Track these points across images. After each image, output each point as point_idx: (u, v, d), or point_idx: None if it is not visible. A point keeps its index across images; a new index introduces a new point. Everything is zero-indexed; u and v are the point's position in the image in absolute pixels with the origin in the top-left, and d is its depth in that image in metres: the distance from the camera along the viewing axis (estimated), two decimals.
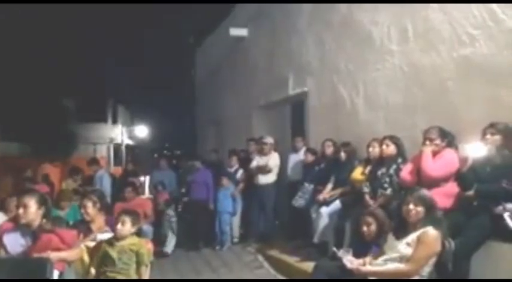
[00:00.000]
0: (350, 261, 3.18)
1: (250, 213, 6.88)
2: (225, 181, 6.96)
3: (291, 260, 5.29)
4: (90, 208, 3.95)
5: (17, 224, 3.38)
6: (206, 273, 5.59)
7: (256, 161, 6.77)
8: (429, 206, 3.05)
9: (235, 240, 6.99)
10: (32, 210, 3.23)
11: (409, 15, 4.69)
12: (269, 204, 6.59)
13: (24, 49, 14.08)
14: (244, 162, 7.10)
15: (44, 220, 3.29)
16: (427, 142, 3.86)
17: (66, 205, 4.86)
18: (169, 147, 30.67)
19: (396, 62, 4.86)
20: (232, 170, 7.31)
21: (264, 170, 6.59)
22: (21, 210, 3.24)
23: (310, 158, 5.98)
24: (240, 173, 7.14)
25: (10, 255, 3.19)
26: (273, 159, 6.69)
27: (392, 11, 4.91)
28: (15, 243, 3.21)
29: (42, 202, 3.30)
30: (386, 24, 4.98)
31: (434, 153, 3.82)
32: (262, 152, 6.78)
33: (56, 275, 3.13)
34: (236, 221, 7.08)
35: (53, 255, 3.10)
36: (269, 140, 6.83)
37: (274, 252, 5.83)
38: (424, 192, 3.17)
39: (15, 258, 3.17)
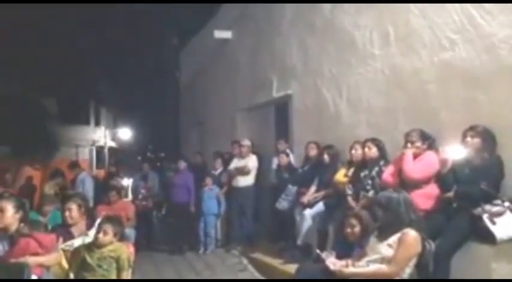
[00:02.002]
0: (333, 263, 3.19)
1: (229, 215, 6.87)
2: (208, 181, 6.93)
3: (275, 262, 5.30)
4: (75, 211, 3.89)
5: None
6: (189, 277, 5.55)
7: (235, 163, 6.77)
8: (406, 208, 3.09)
9: (219, 243, 6.97)
10: (9, 214, 3.16)
11: (390, 20, 4.75)
12: (249, 206, 6.60)
13: (5, 49, 13.79)
14: (229, 164, 7.10)
15: (22, 224, 3.22)
16: (408, 144, 3.92)
17: (48, 210, 4.75)
18: (152, 149, 30.40)
19: (378, 65, 4.91)
20: (217, 172, 7.29)
21: (242, 171, 6.60)
22: None
23: (285, 160, 6.05)
24: (224, 176, 7.13)
25: None
26: (252, 162, 6.71)
27: (374, 15, 4.97)
28: None
29: (19, 206, 3.23)
30: (369, 28, 5.04)
31: (415, 156, 3.88)
32: (240, 155, 6.79)
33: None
34: (220, 223, 7.06)
35: (31, 260, 3.03)
36: (246, 142, 6.87)
37: (258, 255, 5.83)
38: (402, 195, 3.20)
39: None
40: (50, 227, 3.93)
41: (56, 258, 3.29)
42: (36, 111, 17.24)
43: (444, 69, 4.13)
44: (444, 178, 3.61)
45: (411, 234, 3.00)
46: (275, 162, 6.53)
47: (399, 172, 3.92)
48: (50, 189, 7.13)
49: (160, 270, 5.89)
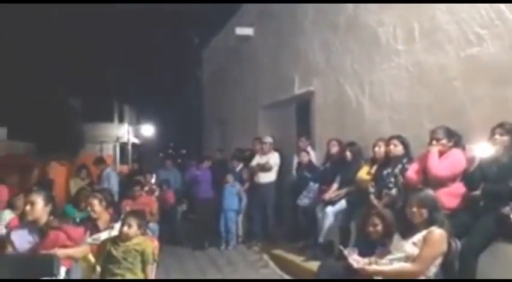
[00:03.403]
0: (356, 260, 3.17)
1: (251, 212, 6.90)
2: (230, 178, 6.98)
3: (297, 259, 5.29)
4: (97, 206, 3.98)
5: (24, 221, 3.42)
6: (211, 273, 5.60)
7: (256, 160, 6.79)
8: (433, 207, 3.04)
9: (240, 239, 7.01)
10: (39, 207, 3.26)
11: (415, 15, 4.67)
12: (270, 203, 6.60)
13: (33, 50, 14.21)
14: (248, 161, 7.12)
15: (51, 217, 3.31)
16: (434, 142, 3.85)
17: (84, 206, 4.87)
18: (174, 146, 30.78)
19: (402, 61, 4.84)
20: (237, 169, 7.33)
21: (264, 167, 6.61)
22: (28, 207, 3.27)
23: (306, 158, 6.04)
24: (245, 172, 7.17)
25: (18, 251, 3.22)
26: (273, 158, 6.71)
27: (398, 11, 4.90)
28: (22, 240, 3.24)
29: (49, 199, 3.33)
30: (393, 24, 4.97)
31: (441, 153, 3.80)
32: (261, 151, 6.80)
33: (63, 272, 3.15)
34: (241, 220, 7.10)
35: (60, 252, 3.12)
36: (268, 139, 6.88)
37: (280, 252, 5.84)
38: (427, 193, 3.15)
39: (23, 254, 3.20)
40: (77, 220, 4.04)
41: (83, 251, 3.38)
42: (63, 109, 17.71)
43: (471, 65, 4.05)
44: (471, 176, 3.54)
45: (437, 232, 2.95)
46: (296, 160, 6.52)
47: (424, 170, 3.85)
48: (75, 184, 7.32)
49: (183, 266, 5.96)
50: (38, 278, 3.02)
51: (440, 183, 3.66)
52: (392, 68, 4.96)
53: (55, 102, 17.32)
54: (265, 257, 6.03)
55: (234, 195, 6.97)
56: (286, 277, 5.26)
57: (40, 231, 3.24)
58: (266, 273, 5.48)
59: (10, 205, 5.09)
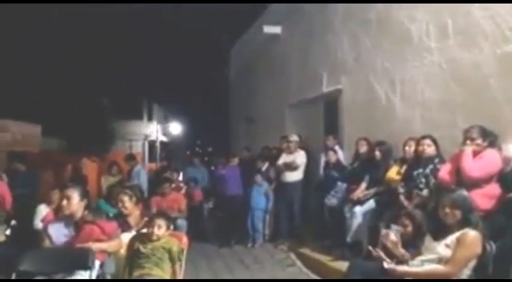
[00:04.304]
0: (386, 260, 3.13)
1: (277, 210, 6.90)
2: (259, 178, 7.01)
3: (324, 258, 5.27)
4: (127, 202, 4.08)
5: (60, 216, 3.54)
6: (239, 270, 5.64)
7: (283, 159, 6.78)
8: (466, 208, 2.96)
9: (267, 237, 7.02)
10: (75, 202, 3.37)
11: (449, 12, 4.56)
12: (296, 202, 6.57)
13: (66, 51, 14.66)
14: (274, 159, 7.11)
15: (86, 212, 3.42)
16: (468, 141, 3.74)
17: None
18: (201, 144, 31.11)
19: (435, 59, 4.73)
20: (263, 168, 7.34)
21: (290, 166, 6.58)
22: (64, 202, 3.38)
23: (333, 157, 5.99)
24: (272, 171, 7.17)
25: (55, 245, 3.33)
26: (300, 157, 6.67)
27: (431, 8, 4.79)
28: (59, 233, 3.35)
29: (84, 194, 3.44)
30: (425, 20, 4.86)
31: (475, 153, 3.70)
32: (288, 150, 6.78)
33: (97, 265, 3.25)
34: (268, 218, 7.11)
35: (95, 245, 3.22)
36: (294, 137, 6.85)
37: (307, 251, 5.83)
38: (461, 193, 3.07)
39: (60, 248, 3.31)
40: (111, 215, 4.15)
41: (117, 245, 3.47)
42: (94, 108, 18.20)
43: (508, 62, 3.92)
44: (507, 177, 3.43)
45: (471, 234, 2.87)
46: (323, 159, 6.47)
47: (457, 170, 3.76)
48: (106, 180, 7.52)
49: (211, 263, 6.02)
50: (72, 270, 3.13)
51: (474, 184, 3.56)
52: (425, 65, 4.85)
53: (87, 101, 17.81)
54: (292, 255, 6.03)
55: (261, 195, 6.99)
56: (313, 276, 5.24)
57: (75, 225, 3.34)
58: (293, 271, 5.48)
59: (45, 200, 5.28)
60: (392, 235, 3.19)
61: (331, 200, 5.60)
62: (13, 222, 3.78)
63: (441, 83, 4.66)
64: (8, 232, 3.67)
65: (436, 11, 4.73)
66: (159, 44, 18.61)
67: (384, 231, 3.24)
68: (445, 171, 3.89)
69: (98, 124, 17.67)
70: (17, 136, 11.78)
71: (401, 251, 3.14)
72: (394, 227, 3.26)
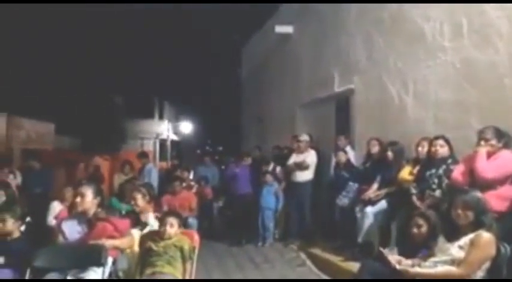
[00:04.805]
0: (398, 261, 3.11)
1: (287, 210, 6.89)
2: (269, 178, 7.01)
3: (334, 258, 5.25)
4: (140, 200, 4.12)
5: (73, 212, 3.58)
6: (249, 269, 5.65)
7: (293, 158, 6.76)
8: (479, 209, 2.93)
9: (277, 236, 7.02)
10: (88, 199, 3.41)
11: (463, 10, 4.51)
12: (307, 201, 6.56)
13: (78, 50, 14.83)
14: (287, 159, 7.10)
15: (99, 209, 3.46)
16: (482, 142, 3.70)
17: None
18: (211, 143, 31.19)
19: (449, 58, 4.68)
20: (269, 168, 7.33)
21: (301, 166, 6.56)
22: (78, 199, 3.42)
23: (343, 158, 5.96)
24: (281, 171, 7.16)
25: (68, 241, 3.38)
26: (310, 157, 6.65)
27: (445, 7, 4.74)
28: (72, 230, 3.40)
29: (97, 192, 3.48)
30: (439, 19, 4.81)
31: (489, 154, 3.66)
32: (298, 150, 6.76)
33: (109, 262, 3.28)
34: (278, 218, 7.11)
35: (108, 242, 3.25)
36: (304, 137, 6.82)
37: (317, 251, 5.81)
38: (474, 195, 3.04)
39: (73, 244, 3.35)
40: (123, 212, 4.19)
41: (129, 242, 3.50)
42: (106, 106, 18.40)
43: None
44: None
45: (485, 236, 2.85)
46: (334, 159, 6.45)
47: (471, 171, 3.72)
48: (118, 179, 7.58)
49: (221, 261, 6.03)
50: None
51: (488, 185, 3.52)
52: (438, 65, 4.80)
53: (99, 100, 18.01)
54: (302, 255, 6.02)
55: (271, 194, 6.98)
56: (324, 276, 5.23)
57: (89, 222, 3.39)
58: (303, 271, 5.47)
59: (58, 197, 5.35)
60: (396, 256, 3.17)
61: (343, 200, 5.58)
62: (28, 218, 3.83)
63: (455, 83, 4.61)
64: (23, 228, 3.72)
65: (450, 10, 4.68)
66: (171, 44, 18.71)
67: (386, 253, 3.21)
68: (458, 172, 3.85)
69: (109, 123, 17.86)
70: (31, 134, 11.97)
71: (408, 262, 3.12)
72: (387, 251, 3.25)
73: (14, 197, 4.43)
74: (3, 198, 4.32)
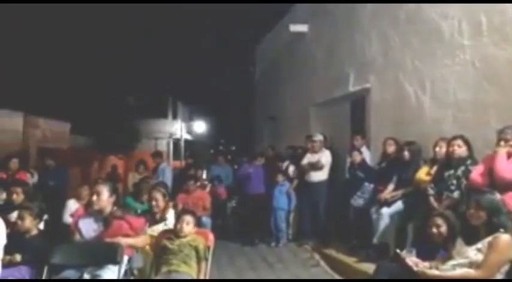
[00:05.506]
0: (415, 263, 3.06)
1: (301, 210, 6.85)
2: (280, 178, 6.97)
3: (349, 260, 5.21)
4: (161, 201, 4.14)
5: (90, 211, 3.61)
6: (262, 269, 5.63)
7: (307, 158, 6.72)
8: (493, 210, 2.87)
9: (291, 236, 6.99)
10: (104, 197, 3.43)
11: (483, 8, 4.42)
12: (321, 202, 6.51)
13: (94, 51, 15.00)
14: (301, 159, 7.06)
15: (115, 207, 3.48)
16: (502, 142, 3.64)
17: (146, 199, 5.08)
18: (224, 143, 31.24)
19: (468, 57, 4.60)
20: (283, 166, 7.31)
21: (316, 166, 6.52)
22: (94, 197, 3.45)
23: (358, 158, 5.89)
24: (293, 170, 7.12)
25: (85, 239, 3.41)
26: (325, 157, 6.60)
27: (464, 4, 4.65)
28: (89, 228, 3.42)
29: (113, 190, 3.50)
30: (457, 17, 4.73)
31: (509, 155, 3.59)
32: (312, 150, 6.72)
33: (125, 260, 3.30)
34: (291, 218, 7.07)
35: (123, 241, 3.27)
36: (318, 137, 6.76)
37: (331, 252, 5.77)
38: (487, 195, 2.98)
39: (90, 242, 3.38)
40: (139, 211, 4.21)
41: (144, 241, 3.52)
42: (120, 106, 18.58)
43: None
44: None
45: (504, 238, 2.78)
46: (348, 158, 6.38)
47: (490, 172, 3.64)
48: (133, 178, 7.64)
49: (234, 261, 6.02)
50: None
51: (508, 186, 3.44)
52: (457, 64, 4.71)
53: (113, 100, 18.20)
54: (316, 256, 5.98)
55: (283, 194, 6.95)
56: (338, 277, 5.18)
57: (105, 220, 3.41)
58: (317, 272, 5.43)
59: (74, 195, 5.41)
60: (413, 258, 3.11)
61: (357, 201, 5.53)
62: (46, 216, 3.88)
63: (474, 82, 4.52)
64: (41, 226, 3.77)
65: (469, 8, 4.59)
66: (184, 43, 18.78)
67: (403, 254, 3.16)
68: (477, 173, 3.78)
69: (124, 122, 18.02)
70: (47, 133, 12.14)
71: (426, 264, 3.07)
72: (404, 252, 3.19)
73: (32, 195, 4.49)
74: (22, 196, 4.38)
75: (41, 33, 13.11)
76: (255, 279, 5.23)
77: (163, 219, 4.12)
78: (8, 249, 3.18)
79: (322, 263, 5.72)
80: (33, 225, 3.60)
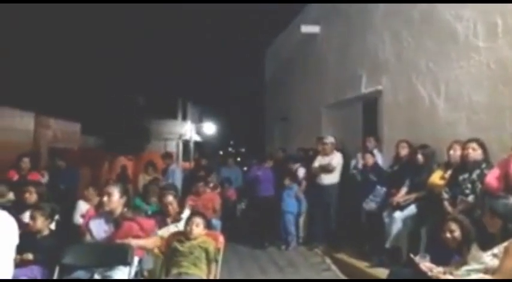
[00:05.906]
0: (429, 268, 3.00)
1: (312, 213, 6.78)
2: (288, 181, 6.92)
3: (361, 264, 5.15)
4: (174, 203, 4.13)
5: (100, 211, 3.61)
6: (272, 273, 5.59)
7: (318, 161, 6.65)
8: (509, 216, 2.81)
9: (301, 240, 6.93)
10: (115, 198, 3.43)
11: (499, 10, 4.34)
12: (332, 205, 6.45)
13: (104, 51, 15.09)
14: (312, 161, 7.00)
15: (126, 209, 3.47)
16: None
17: (155, 201, 5.09)
18: (234, 144, 31.23)
19: (483, 59, 4.52)
20: (294, 168, 7.25)
21: (327, 169, 6.46)
22: (105, 198, 3.44)
23: (371, 160, 5.81)
24: (302, 172, 7.06)
25: (95, 239, 3.40)
26: (336, 159, 6.54)
27: (479, 6, 4.57)
28: (99, 229, 3.42)
29: (124, 192, 3.49)
30: (473, 19, 4.65)
31: None
32: (323, 152, 6.65)
33: (136, 261, 3.28)
34: (301, 221, 7.01)
35: (134, 242, 3.26)
36: (330, 139, 6.71)
37: (343, 256, 5.71)
38: (502, 200, 2.92)
39: (101, 243, 3.38)
40: (149, 212, 4.20)
41: (154, 242, 3.51)
42: (130, 107, 18.67)
43: None
44: None
45: None
46: (360, 161, 6.31)
47: (506, 176, 3.57)
48: (143, 179, 7.64)
49: (244, 264, 5.98)
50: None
51: None
52: (472, 65, 4.63)
53: (123, 101, 18.29)
54: (327, 260, 5.92)
55: (291, 197, 6.89)
56: None
57: (115, 221, 3.40)
58: (328, 276, 5.38)
59: (83, 196, 5.42)
60: (427, 263, 3.07)
61: (369, 204, 5.45)
62: (57, 216, 3.89)
63: (489, 84, 4.44)
64: (52, 226, 3.78)
65: (484, 10, 4.52)
66: (195, 44, 18.80)
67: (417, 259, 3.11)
68: (492, 177, 3.72)
69: (133, 123, 18.10)
70: (58, 133, 12.24)
71: (440, 270, 3.01)
72: (417, 257, 3.16)
73: (44, 195, 4.50)
74: (35, 196, 4.39)
75: (53, 33, 13.22)
76: (262, 279, 5.19)
77: (178, 219, 4.10)
78: (19, 249, 3.17)
79: (333, 267, 5.66)
80: (44, 225, 3.61)
